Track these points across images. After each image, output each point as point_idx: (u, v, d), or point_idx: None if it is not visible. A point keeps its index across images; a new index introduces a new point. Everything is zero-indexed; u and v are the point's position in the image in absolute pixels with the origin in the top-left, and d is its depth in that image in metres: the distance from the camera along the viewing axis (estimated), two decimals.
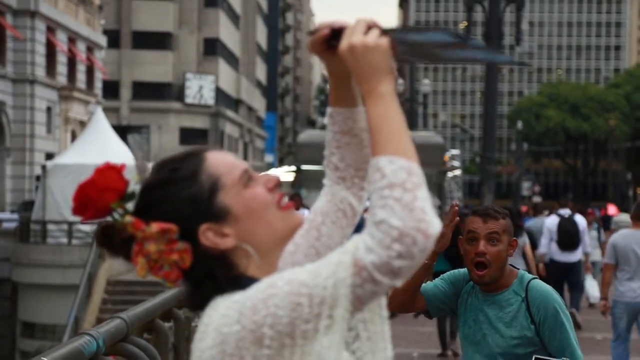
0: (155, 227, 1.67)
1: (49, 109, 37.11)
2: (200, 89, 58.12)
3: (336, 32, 1.75)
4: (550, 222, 14.34)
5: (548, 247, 13.90)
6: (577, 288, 14.37)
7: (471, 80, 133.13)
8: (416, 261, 1.52)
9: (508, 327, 3.91)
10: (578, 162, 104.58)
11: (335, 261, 1.55)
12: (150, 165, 1.81)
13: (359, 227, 1.79)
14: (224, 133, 61.45)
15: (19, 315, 25.98)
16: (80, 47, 40.92)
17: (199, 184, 1.72)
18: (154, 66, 56.64)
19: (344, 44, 1.68)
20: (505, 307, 3.93)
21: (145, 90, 56.60)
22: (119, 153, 27.36)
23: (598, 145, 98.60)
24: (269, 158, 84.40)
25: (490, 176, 24.26)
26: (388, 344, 1.70)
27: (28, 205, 29.46)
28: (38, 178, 30.64)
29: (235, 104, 68.42)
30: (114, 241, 1.73)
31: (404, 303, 4.04)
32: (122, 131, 42.17)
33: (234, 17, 66.89)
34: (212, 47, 60.09)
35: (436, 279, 4.16)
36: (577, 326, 13.29)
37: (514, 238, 4.02)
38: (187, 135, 56.84)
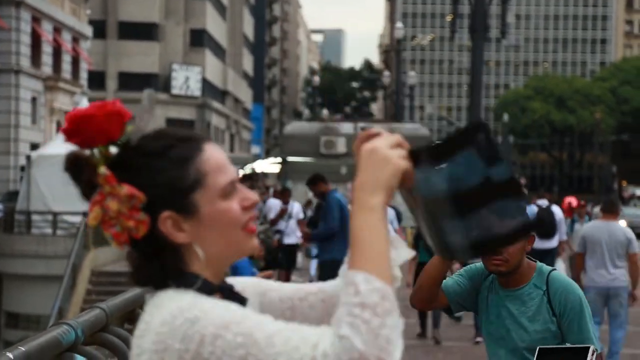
0: (126, 189, 1.66)
1: (34, 99, 36.96)
2: (186, 80, 58.00)
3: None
4: (528, 212, 15.01)
5: None
6: None
7: (458, 73, 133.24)
8: None
9: (532, 321, 3.92)
10: (564, 154, 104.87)
11: (294, 345, 1.53)
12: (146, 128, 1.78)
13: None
14: (211, 124, 61.35)
15: (3, 305, 25.92)
16: (66, 37, 40.75)
17: (185, 173, 1.70)
18: (140, 57, 56.47)
19: (369, 144, 1.65)
20: (527, 301, 3.94)
21: (131, 81, 56.41)
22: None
23: (584, 138, 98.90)
24: (256, 149, 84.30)
25: None
26: None
27: (12, 196, 29.37)
28: (23, 168, 30.54)
29: (222, 95, 68.29)
30: (79, 174, 1.72)
31: (424, 299, 4.03)
32: None
33: (220, 8, 66.73)
34: (199, 38, 59.95)
35: (455, 274, 4.16)
36: None
37: (532, 235, 4.05)
38: (174, 126, 56.19)
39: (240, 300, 1.73)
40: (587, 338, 3.88)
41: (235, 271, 8.30)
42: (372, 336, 1.48)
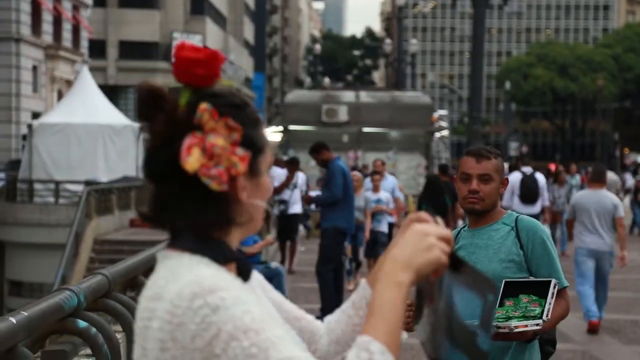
0: (231, 122, 1.64)
1: (34, 68, 36.87)
2: None
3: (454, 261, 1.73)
4: (513, 178, 15.91)
5: (511, 200, 15.78)
6: None
7: (460, 41, 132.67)
8: None
9: (497, 252, 4.00)
10: (566, 122, 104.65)
11: None
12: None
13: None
14: None
15: (7, 274, 26.02)
16: (66, 6, 40.58)
17: (259, 133, 1.72)
18: (140, 25, 56.22)
19: (419, 226, 1.69)
20: (494, 235, 4.04)
21: (132, 50, 56.20)
22: (106, 113, 27.29)
23: (586, 105, 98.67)
24: None
25: (478, 136, 24.26)
26: None
27: (15, 164, 29.38)
28: (24, 137, 30.53)
29: None
30: (156, 108, 1.68)
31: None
32: (109, 91, 41.94)
33: None
34: (200, 6, 59.66)
35: None
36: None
37: (506, 177, 4.15)
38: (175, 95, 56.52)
39: (246, 273, 1.73)
40: (555, 271, 3.97)
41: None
42: None
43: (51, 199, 25.51)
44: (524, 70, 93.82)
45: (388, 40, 64.48)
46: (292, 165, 17.48)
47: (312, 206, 18.19)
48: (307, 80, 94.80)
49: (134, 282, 5.47)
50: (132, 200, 24.57)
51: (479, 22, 23.60)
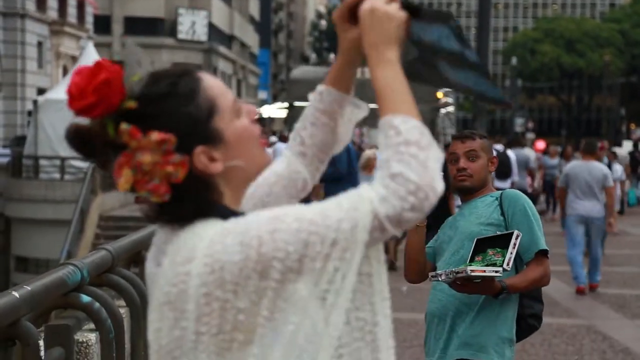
0: (155, 136, 1.64)
1: (39, 44, 36.81)
2: (192, 24, 57.61)
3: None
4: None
5: None
6: None
7: (466, 16, 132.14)
8: (423, 215, 1.60)
9: (478, 217, 4.14)
10: (572, 98, 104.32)
11: (349, 206, 1.60)
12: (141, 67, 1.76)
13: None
14: (217, 69, 61.09)
15: (12, 250, 26.09)
16: None
17: (198, 104, 1.71)
18: (146, 1, 56.05)
19: (366, 5, 1.76)
20: (479, 205, 4.19)
21: (137, 26, 56.05)
22: None
23: (592, 81, 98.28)
24: (263, 95, 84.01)
25: (484, 112, 24.20)
26: (386, 287, 1.72)
27: (20, 140, 29.39)
28: (30, 113, 30.52)
29: (229, 40, 67.91)
30: (92, 145, 1.69)
31: (416, 270, 4.29)
32: None
33: None
34: None
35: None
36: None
37: (495, 156, 4.30)
38: None
39: None
40: (535, 235, 4.06)
41: None
42: (422, 168, 1.59)
43: (57, 175, 25.53)
44: (531, 45, 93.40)
45: None
46: None
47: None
48: (313, 57, 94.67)
49: (138, 257, 5.46)
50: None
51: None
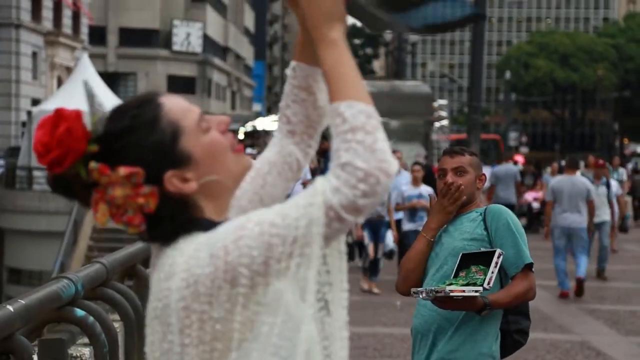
0: (123, 171, 1.70)
1: (34, 54, 36.80)
2: (187, 36, 57.68)
3: None
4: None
5: None
6: None
7: (460, 30, 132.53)
8: (378, 199, 1.60)
9: (462, 233, 4.16)
10: (565, 112, 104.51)
11: (305, 203, 1.61)
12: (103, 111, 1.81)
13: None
14: (212, 81, 61.14)
15: (5, 261, 26.03)
16: None
17: (161, 130, 1.75)
18: (141, 12, 56.11)
19: None
20: (464, 221, 4.20)
21: (132, 37, 56.10)
22: (105, 100, 27.24)
23: (586, 95, 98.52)
24: (257, 107, 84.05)
25: (478, 126, 24.23)
26: (345, 277, 1.74)
27: (14, 151, 29.37)
28: (24, 124, 30.49)
29: (223, 52, 67.97)
30: (71, 187, 1.75)
31: (419, 278, 4.26)
32: (109, 78, 41.89)
33: None
34: None
35: None
36: None
37: (483, 173, 4.33)
38: (175, 83, 56.47)
39: None
40: (519, 250, 4.07)
41: None
42: (369, 153, 1.59)
43: None
44: (525, 59, 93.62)
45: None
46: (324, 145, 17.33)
47: None
48: None
49: (132, 271, 5.45)
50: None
51: (479, 11, 23.51)
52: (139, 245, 5.76)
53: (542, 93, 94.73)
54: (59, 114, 1.72)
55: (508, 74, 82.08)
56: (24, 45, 35.70)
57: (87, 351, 4.22)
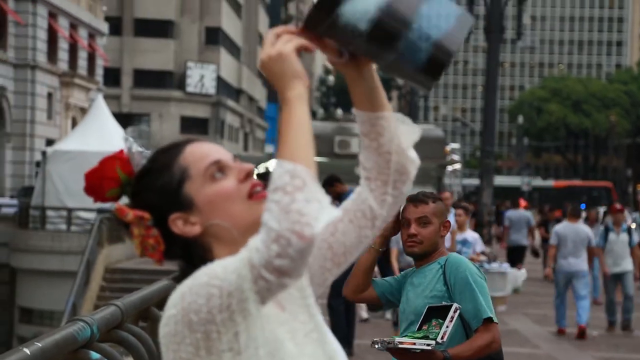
0: (131, 214, 1.82)
1: (49, 95, 37.08)
2: (201, 78, 58.03)
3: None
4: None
5: None
6: None
7: (472, 74, 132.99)
8: (295, 261, 1.59)
9: (424, 290, 4.18)
10: (578, 157, 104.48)
11: (239, 257, 1.64)
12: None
13: None
14: (225, 123, 61.40)
15: (17, 300, 26.01)
16: (82, 34, 40.87)
17: (171, 175, 1.83)
18: (155, 54, 56.54)
19: (259, 61, 1.79)
20: (427, 274, 4.21)
21: (146, 78, 56.49)
22: (119, 141, 27.35)
23: (599, 141, 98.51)
24: (270, 148, 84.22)
25: (490, 170, 24.24)
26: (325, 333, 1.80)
27: (28, 191, 29.46)
28: (38, 164, 30.63)
29: (237, 93, 68.34)
30: (119, 222, 1.87)
31: (357, 286, 4.36)
32: (123, 119, 42.11)
33: (236, 6, 66.77)
34: (214, 36, 59.98)
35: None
36: None
37: (447, 220, 4.32)
38: (188, 124, 56.76)
39: None
40: (479, 304, 4.06)
41: None
42: (282, 214, 1.58)
43: (63, 226, 25.55)
44: (538, 104, 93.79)
45: None
46: (337, 188, 17.24)
47: None
48: (320, 112, 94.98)
49: (147, 313, 5.45)
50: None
51: (492, 55, 23.63)
52: (153, 287, 5.77)
53: (554, 138, 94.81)
54: (103, 162, 1.88)
55: (521, 119, 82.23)
56: (40, 86, 35.98)
57: None
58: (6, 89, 34.38)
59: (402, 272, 4.50)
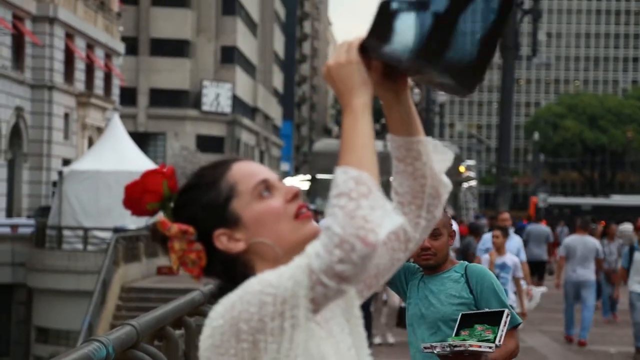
0: (175, 228, 1.83)
1: (66, 115, 37.26)
2: (217, 96, 58.24)
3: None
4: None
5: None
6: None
7: (488, 91, 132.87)
8: (357, 267, 1.59)
9: (448, 297, 4.37)
10: (595, 174, 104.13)
11: (296, 264, 1.65)
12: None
13: None
14: (240, 141, 61.56)
15: (34, 320, 26.07)
16: (99, 54, 41.09)
17: (218, 191, 1.84)
18: (171, 73, 56.80)
19: (324, 68, 1.78)
20: (446, 282, 4.42)
21: (162, 98, 56.75)
22: (135, 160, 27.48)
23: (615, 157, 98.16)
24: (285, 166, 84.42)
25: (506, 187, 24.18)
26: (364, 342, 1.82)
27: (44, 211, 29.58)
28: (55, 184, 30.76)
29: (252, 112, 68.53)
30: (156, 237, 1.88)
31: None
32: (139, 138, 42.29)
33: (251, 25, 67.04)
34: (230, 55, 60.23)
35: None
36: None
37: (453, 230, 4.55)
38: (204, 142, 56.93)
39: None
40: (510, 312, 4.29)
41: None
42: (347, 219, 1.59)
43: (79, 246, 25.62)
44: (554, 120, 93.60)
45: (416, 90, 64.73)
46: (316, 215, 17.47)
47: None
48: (335, 129, 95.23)
49: (162, 332, 5.46)
50: (160, 248, 24.65)
51: (508, 72, 23.63)
52: (168, 307, 5.78)
53: (571, 154, 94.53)
54: (145, 175, 1.88)
55: (537, 135, 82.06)
56: (57, 107, 36.16)
57: None
58: (23, 109, 34.58)
59: (404, 266, 4.55)
